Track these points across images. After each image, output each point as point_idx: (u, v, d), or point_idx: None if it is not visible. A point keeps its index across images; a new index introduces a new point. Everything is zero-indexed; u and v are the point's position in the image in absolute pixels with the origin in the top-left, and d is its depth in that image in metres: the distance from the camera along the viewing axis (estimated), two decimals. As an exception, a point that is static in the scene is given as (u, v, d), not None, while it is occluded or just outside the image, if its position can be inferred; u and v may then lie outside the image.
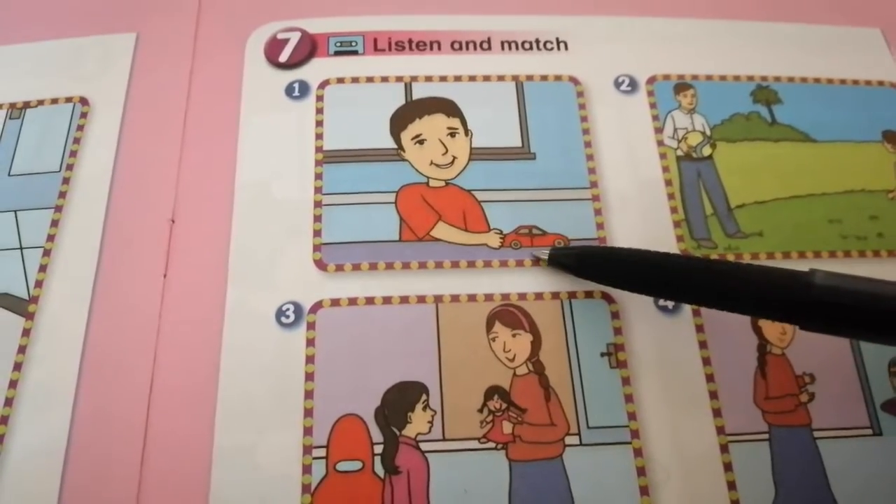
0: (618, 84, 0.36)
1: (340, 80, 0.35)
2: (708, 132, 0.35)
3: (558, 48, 0.36)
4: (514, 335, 0.30)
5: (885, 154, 0.35)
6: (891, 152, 0.35)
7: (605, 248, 0.31)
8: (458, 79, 0.35)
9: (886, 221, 0.33)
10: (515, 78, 0.35)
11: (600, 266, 0.29)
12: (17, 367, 0.29)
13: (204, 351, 0.29)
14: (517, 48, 0.36)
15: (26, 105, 0.35)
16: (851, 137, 0.35)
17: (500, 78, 0.35)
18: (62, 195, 0.33)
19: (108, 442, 0.27)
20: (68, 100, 0.35)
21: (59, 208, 0.32)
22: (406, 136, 0.34)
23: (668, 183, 0.33)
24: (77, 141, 0.34)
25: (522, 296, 0.30)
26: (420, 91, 0.35)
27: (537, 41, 0.36)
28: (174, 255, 0.31)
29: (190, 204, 0.32)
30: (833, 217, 0.33)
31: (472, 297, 0.30)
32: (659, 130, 0.35)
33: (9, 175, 0.33)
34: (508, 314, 0.30)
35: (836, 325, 0.24)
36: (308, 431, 0.28)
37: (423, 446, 0.28)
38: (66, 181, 0.33)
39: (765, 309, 0.25)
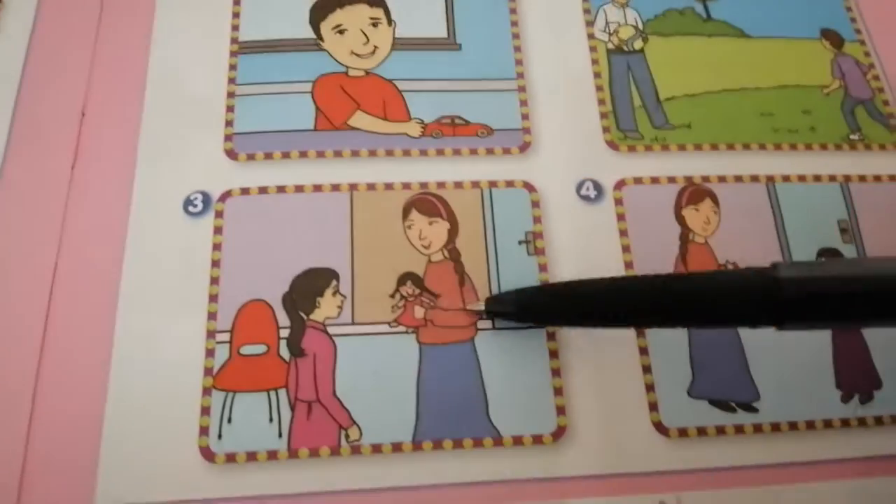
0: (550, -23, 0.34)
1: (261, -26, 0.34)
2: (640, 26, 0.34)
3: (489, -59, 0.35)
4: (430, 223, 0.29)
5: (822, 51, 0.34)
6: (828, 49, 0.34)
7: (542, 289, 0.27)
8: (382, -30, 0.34)
9: (820, 116, 0.32)
10: (443, -30, 0.34)
11: (542, 307, 0.26)
12: None
13: (109, 239, 0.28)
14: (446, -60, 0.35)
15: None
16: (788, 34, 0.34)
17: (427, -31, 0.34)
18: (-31, 86, 0.31)
19: (6, 325, 0.26)
20: (-22, -8, 0.33)
21: (-35, 99, 0.31)
22: (326, 27, 0.32)
23: (598, 75, 0.32)
24: (-13, 34, 0.32)
25: (441, 184, 0.29)
26: (343, -18, 0.33)
27: (467, -67, 0.35)
28: (83, 148, 0.30)
29: (101, 96, 0.31)
30: (765, 110, 0.32)
31: (388, 186, 0.29)
32: (590, 24, 0.33)
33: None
34: (425, 202, 0.29)
35: (812, 318, 0.21)
36: (212, 317, 0.27)
37: (332, 330, 0.27)
38: (-26, 73, 0.31)
39: (730, 319, 0.23)
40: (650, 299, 0.22)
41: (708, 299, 0.22)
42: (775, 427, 0.27)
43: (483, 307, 0.27)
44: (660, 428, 0.26)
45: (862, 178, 0.31)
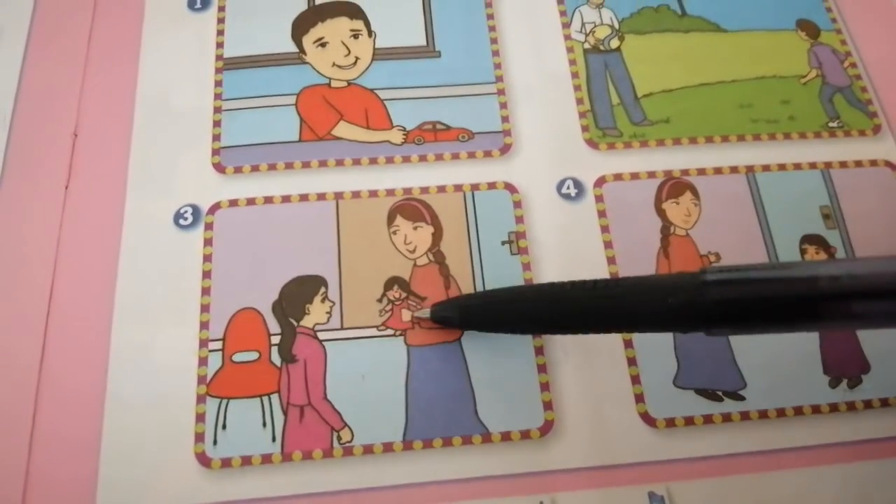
0: (526, -19, 0.35)
1: (243, -10, 0.34)
2: (616, 25, 0.34)
3: (465, -51, 0.36)
4: (415, 228, 0.29)
5: (798, 41, 0.34)
6: (804, 40, 0.35)
7: (485, 295, 0.28)
8: (361, -18, 0.35)
9: (798, 105, 0.33)
10: (421, -21, 0.35)
11: (484, 314, 0.26)
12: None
13: (103, 256, 0.29)
14: (423, -50, 0.35)
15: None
16: (764, 26, 0.35)
17: (405, -21, 0.35)
18: (-34, 111, 0.32)
19: (6, 340, 0.27)
20: (-26, 20, 0.34)
21: (-38, 124, 0.32)
22: (308, 40, 0.33)
23: (575, 75, 0.33)
24: (-18, 60, 0.33)
25: (425, 189, 0.30)
26: (323, -4, 0.34)
27: (443, -58, 0.36)
28: (76, 167, 0.31)
29: (93, 117, 0.32)
30: (743, 102, 0.33)
31: (373, 193, 0.30)
32: (566, 25, 0.34)
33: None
34: (410, 208, 0.30)
35: (740, 322, 0.21)
36: (205, 326, 0.27)
37: (321, 335, 0.27)
38: (-29, 98, 0.32)
39: (661, 324, 0.23)
40: (581, 305, 0.23)
41: (636, 303, 0.22)
42: (763, 414, 0.27)
43: (429, 314, 0.27)
44: (647, 419, 0.27)
45: (843, 165, 0.32)
